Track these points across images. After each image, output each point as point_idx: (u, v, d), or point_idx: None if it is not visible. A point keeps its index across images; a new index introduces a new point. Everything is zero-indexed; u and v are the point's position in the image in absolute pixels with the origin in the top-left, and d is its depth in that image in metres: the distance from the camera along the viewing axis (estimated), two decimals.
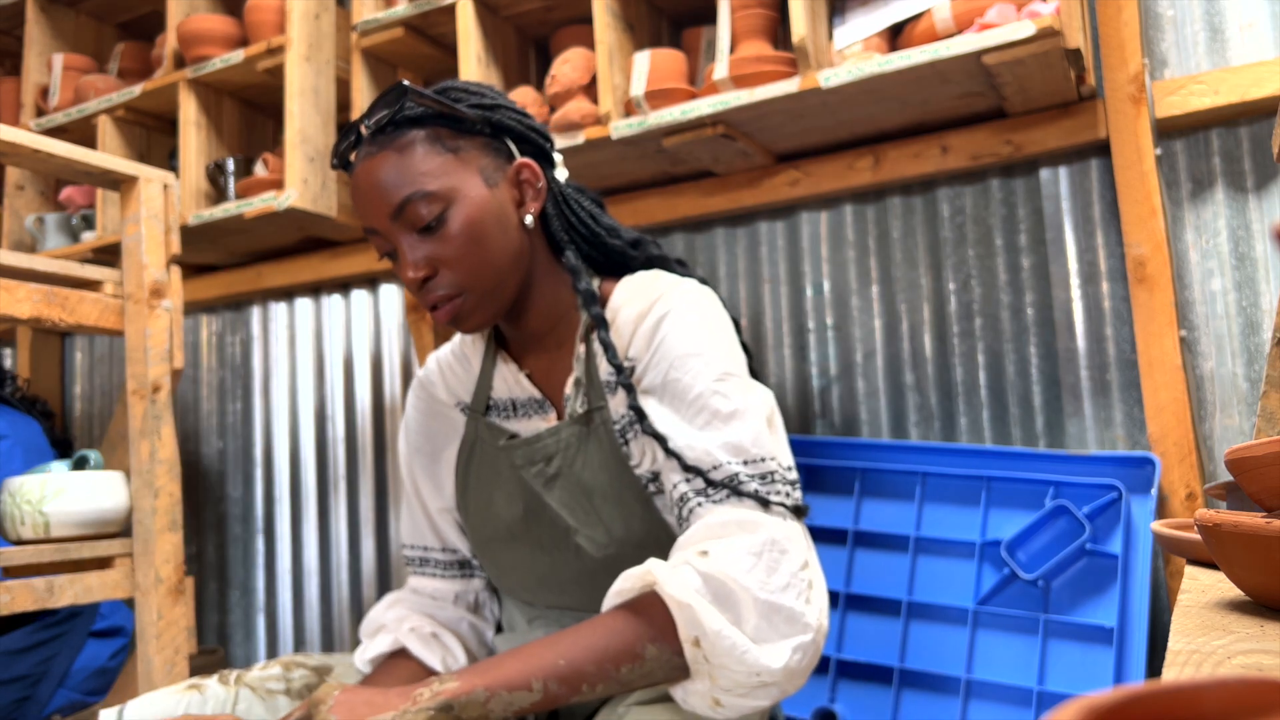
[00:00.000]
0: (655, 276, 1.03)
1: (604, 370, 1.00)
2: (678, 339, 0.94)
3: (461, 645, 1.07)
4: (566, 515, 0.99)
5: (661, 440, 0.91)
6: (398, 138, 0.95)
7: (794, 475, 0.92)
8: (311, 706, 0.80)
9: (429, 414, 1.14)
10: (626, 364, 0.98)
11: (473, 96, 0.99)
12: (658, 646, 0.83)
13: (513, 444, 1.04)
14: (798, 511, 0.90)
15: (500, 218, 0.97)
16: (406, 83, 0.94)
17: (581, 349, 1.02)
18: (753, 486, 0.88)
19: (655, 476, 0.97)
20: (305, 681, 1.04)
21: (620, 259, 1.07)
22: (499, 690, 0.79)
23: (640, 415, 0.93)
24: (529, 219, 0.99)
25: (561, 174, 1.06)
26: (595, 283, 1.04)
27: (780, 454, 0.92)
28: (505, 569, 1.06)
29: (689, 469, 0.89)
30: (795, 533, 0.88)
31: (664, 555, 0.94)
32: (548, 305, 1.04)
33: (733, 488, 0.88)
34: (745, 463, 0.89)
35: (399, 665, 1.04)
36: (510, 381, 1.07)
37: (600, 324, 0.97)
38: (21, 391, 2.04)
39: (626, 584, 0.86)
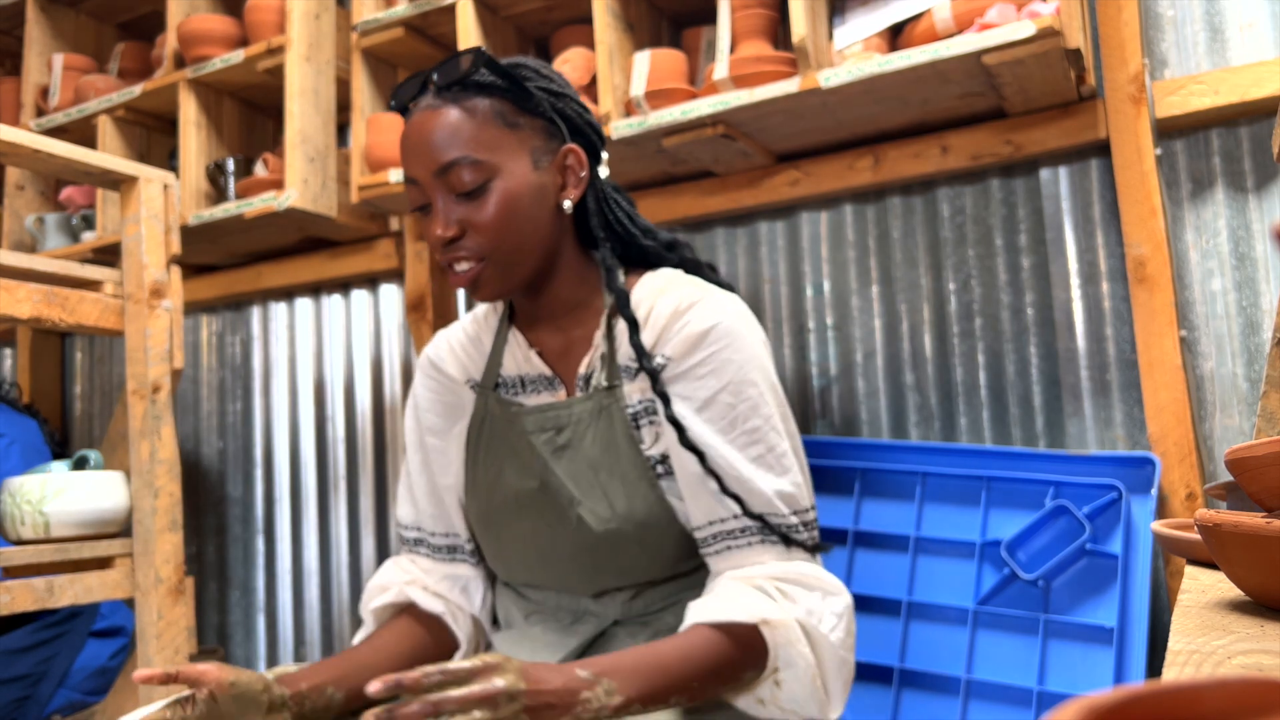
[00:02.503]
0: (688, 279, 1.05)
1: (623, 355, 1.03)
2: (733, 362, 0.97)
3: (455, 611, 1.10)
4: (571, 486, 1.00)
5: (700, 455, 0.96)
6: (463, 99, 0.97)
7: (816, 516, 1.02)
8: (504, 696, 0.78)
9: (439, 390, 1.13)
10: (660, 359, 1.00)
11: (542, 79, 1.02)
12: (753, 673, 0.93)
13: (524, 410, 1.06)
14: (818, 549, 1.02)
15: (538, 198, 0.99)
16: (484, 49, 0.98)
17: (602, 333, 1.04)
18: (801, 535, 0.97)
19: (664, 459, 1.00)
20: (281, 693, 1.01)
21: (654, 259, 1.10)
22: (649, 704, 0.86)
23: (666, 402, 0.97)
24: (567, 204, 1.02)
25: (604, 172, 1.08)
26: (622, 277, 1.06)
27: (811, 498, 1.01)
28: (505, 544, 1.07)
29: (738, 499, 0.96)
30: (849, 600, 0.98)
31: (664, 535, 1.00)
32: (570, 289, 1.06)
33: (788, 536, 0.97)
34: (794, 513, 0.98)
35: (404, 621, 1.08)
36: (520, 359, 1.09)
37: (631, 323, 1.00)
38: (18, 392, 2.04)
39: (736, 611, 0.91)
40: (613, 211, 1.07)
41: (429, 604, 1.07)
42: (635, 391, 1.01)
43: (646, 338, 1.01)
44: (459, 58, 0.98)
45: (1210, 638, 0.47)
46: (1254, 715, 0.29)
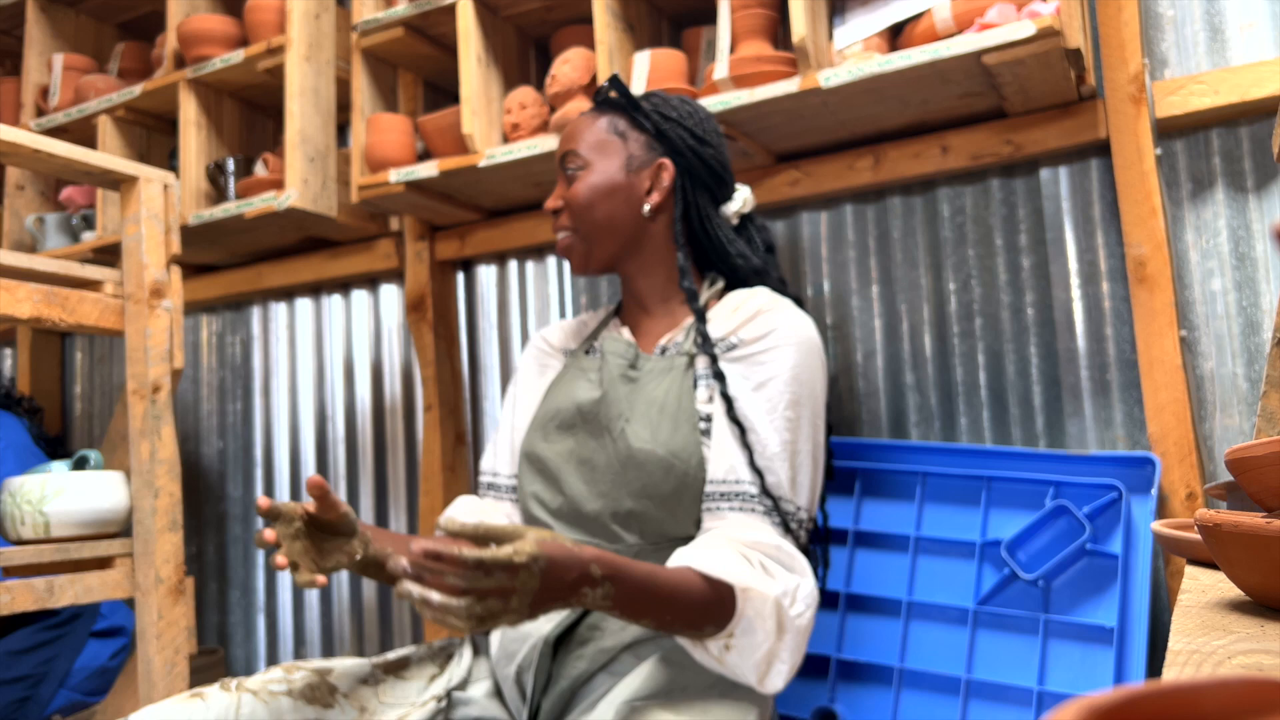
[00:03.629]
0: (781, 298, 1.22)
1: (693, 337, 1.21)
2: (791, 361, 1.12)
3: None
4: (626, 407, 1.16)
5: (741, 428, 1.10)
6: (598, 111, 1.25)
7: (807, 520, 1.14)
8: (519, 583, 0.84)
9: (538, 356, 1.36)
10: (732, 339, 1.16)
11: (664, 106, 1.24)
12: (712, 628, 1.00)
13: (607, 338, 1.25)
14: (798, 545, 1.13)
15: (621, 195, 1.21)
16: (617, 75, 1.25)
17: (688, 321, 1.23)
18: (795, 526, 1.11)
19: (707, 417, 1.15)
20: (307, 681, 1.06)
21: (753, 279, 1.26)
22: (627, 615, 0.94)
23: (723, 380, 1.12)
24: (646, 208, 1.22)
25: (731, 208, 1.27)
26: (719, 285, 1.26)
27: (814, 510, 1.16)
28: (548, 456, 1.20)
29: (758, 472, 1.09)
30: (801, 559, 1.08)
31: (688, 477, 1.11)
32: (657, 283, 1.25)
33: (788, 523, 1.10)
34: (799, 508, 1.11)
35: None
36: (613, 333, 1.28)
37: (699, 316, 1.18)
38: (5, 389, 2.03)
39: (727, 569, 0.99)
40: (705, 229, 1.25)
41: None
42: (703, 362, 1.18)
43: (730, 323, 1.18)
44: (608, 82, 1.25)
45: (1210, 638, 0.47)
46: (1254, 715, 0.29)
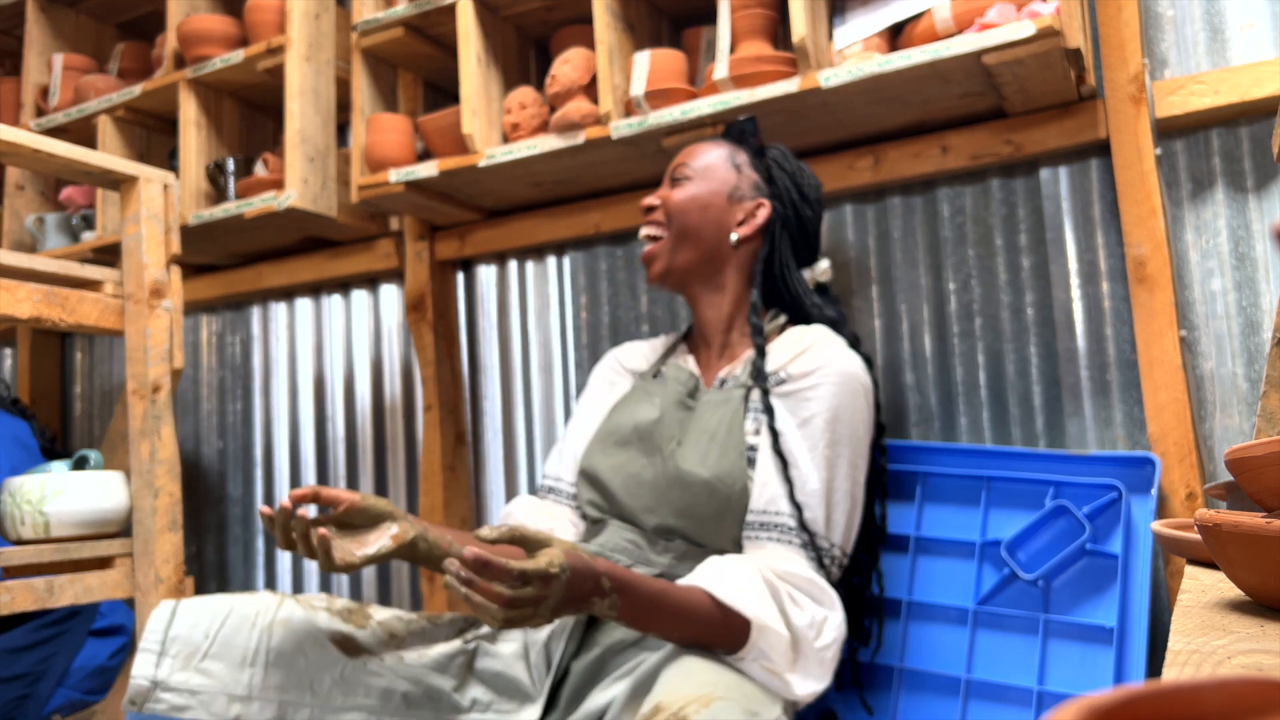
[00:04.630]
0: (836, 336, 1.27)
1: (750, 371, 1.25)
2: (836, 401, 1.17)
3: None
4: (679, 431, 1.23)
5: (784, 462, 1.15)
6: (726, 142, 1.35)
7: (846, 564, 1.21)
8: (548, 595, 0.92)
9: (611, 374, 1.41)
10: (782, 374, 1.21)
11: (784, 160, 1.34)
12: (724, 649, 1.04)
13: (670, 367, 1.32)
14: (830, 581, 1.17)
15: (715, 214, 1.29)
16: (755, 119, 1.36)
17: (749, 354, 1.28)
18: (829, 562, 1.15)
19: (753, 447, 1.19)
20: (346, 605, 1.16)
21: (816, 316, 1.32)
22: (632, 627, 0.99)
23: (771, 414, 1.18)
24: (734, 236, 1.29)
25: (811, 273, 1.34)
26: (782, 319, 1.31)
27: (849, 548, 1.19)
28: (602, 469, 1.26)
29: (798, 507, 1.14)
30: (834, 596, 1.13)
31: (731, 500, 1.16)
32: (724, 313, 1.31)
33: (821, 559, 1.14)
34: (834, 545, 1.16)
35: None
36: (679, 362, 1.35)
37: (759, 351, 1.23)
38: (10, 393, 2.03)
39: (741, 596, 1.02)
40: (782, 275, 1.31)
41: (538, 527, 1.26)
42: (755, 395, 1.22)
43: (783, 358, 1.23)
44: (743, 121, 1.36)
45: (1210, 638, 0.47)
46: (1254, 715, 0.29)
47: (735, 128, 1.36)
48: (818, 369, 1.19)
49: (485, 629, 1.23)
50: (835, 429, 1.17)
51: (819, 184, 1.37)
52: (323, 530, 1.00)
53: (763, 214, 1.30)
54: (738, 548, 1.18)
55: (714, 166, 1.31)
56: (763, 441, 1.18)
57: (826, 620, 1.08)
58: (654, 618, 1.00)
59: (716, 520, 1.17)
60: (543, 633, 1.18)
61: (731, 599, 1.02)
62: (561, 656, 1.15)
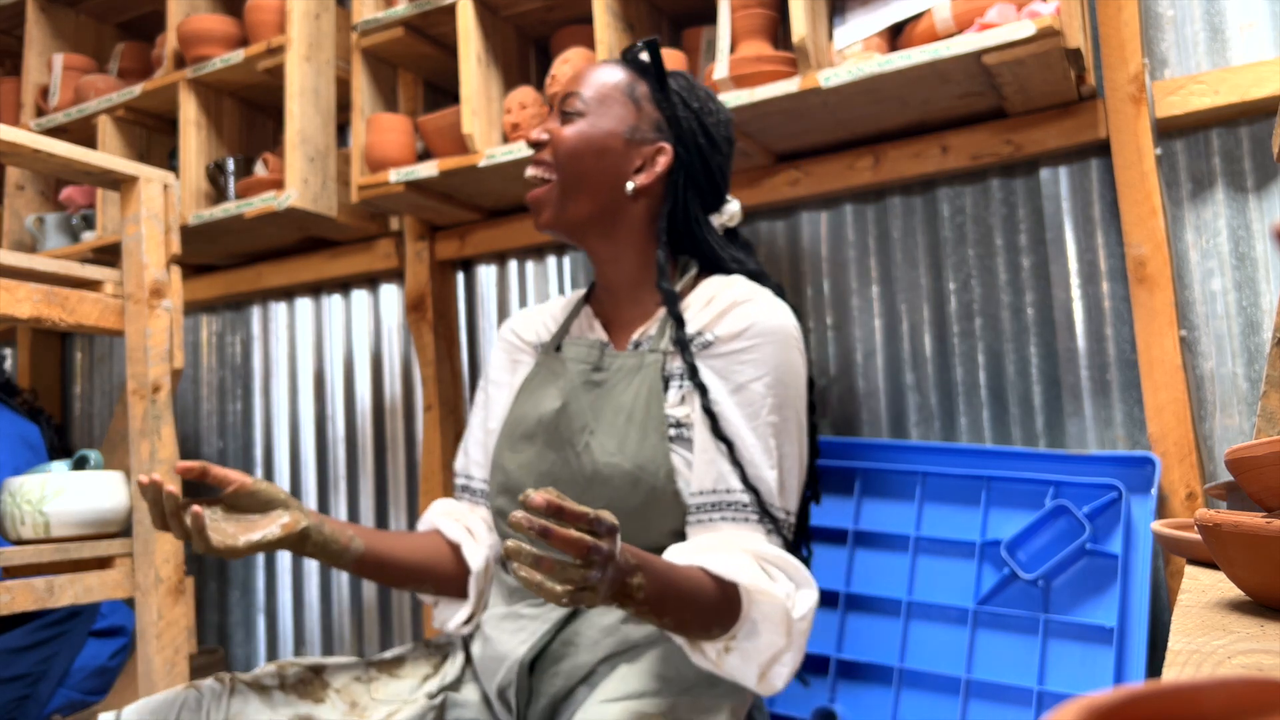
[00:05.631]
0: (755, 284, 1.16)
1: (669, 334, 1.13)
2: (773, 360, 1.07)
3: (471, 542, 1.19)
4: (591, 417, 1.10)
5: (730, 445, 1.05)
6: (624, 65, 1.17)
7: (793, 521, 1.11)
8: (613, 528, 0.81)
9: (510, 350, 1.28)
10: (707, 335, 1.10)
11: (690, 93, 1.17)
12: (718, 629, 0.98)
13: (571, 341, 1.19)
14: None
15: (610, 160, 1.13)
16: (658, 40, 1.16)
17: (662, 312, 1.16)
18: (784, 529, 1.07)
19: (680, 424, 1.09)
20: (299, 676, 1.07)
21: (728, 268, 1.20)
22: (650, 617, 0.90)
23: (694, 371, 1.07)
24: (630, 185, 1.13)
25: (720, 219, 1.21)
26: (694, 270, 1.18)
27: (795, 508, 1.11)
28: (507, 474, 1.14)
29: (749, 485, 1.05)
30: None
31: (659, 491, 1.06)
32: (629, 272, 1.17)
33: (776, 525, 1.06)
34: (785, 511, 1.07)
35: (434, 535, 1.20)
36: (584, 325, 1.22)
37: (678, 321, 1.10)
38: (6, 378, 2.03)
39: (740, 571, 0.97)
40: (688, 223, 1.17)
41: (452, 531, 1.18)
42: (675, 360, 1.12)
43: (704, 317, 1.11)
44: (644, 41, 1.17)
45: (1210, 638, 0.47)
46: (1254, 715, 0.29)
47: (633, 53, 1.18)
48: (748, 328, 1.07)
49: (450, 677, 1.15)
50: (779, 392, 1.06)
51: (729, 118, 1.22)
52: (196, 508, 0.91)
53: (663, 161, 1.14)
54: (672, 539, 1.07)
55: (611, 99, 1.13)
56: (696, 416, 1.07)
57: (800, 592, 1.02)
58: (671, 596, 0.90)
59: (643, 512, 1.05)
60: (493, 684, 1.09)
61: (724, 570, 0.96)
62: (517, 706, 1.08)
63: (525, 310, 1.32)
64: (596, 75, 1.15)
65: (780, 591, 0.99)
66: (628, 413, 1.08)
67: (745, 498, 1.04)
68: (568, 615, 1.09)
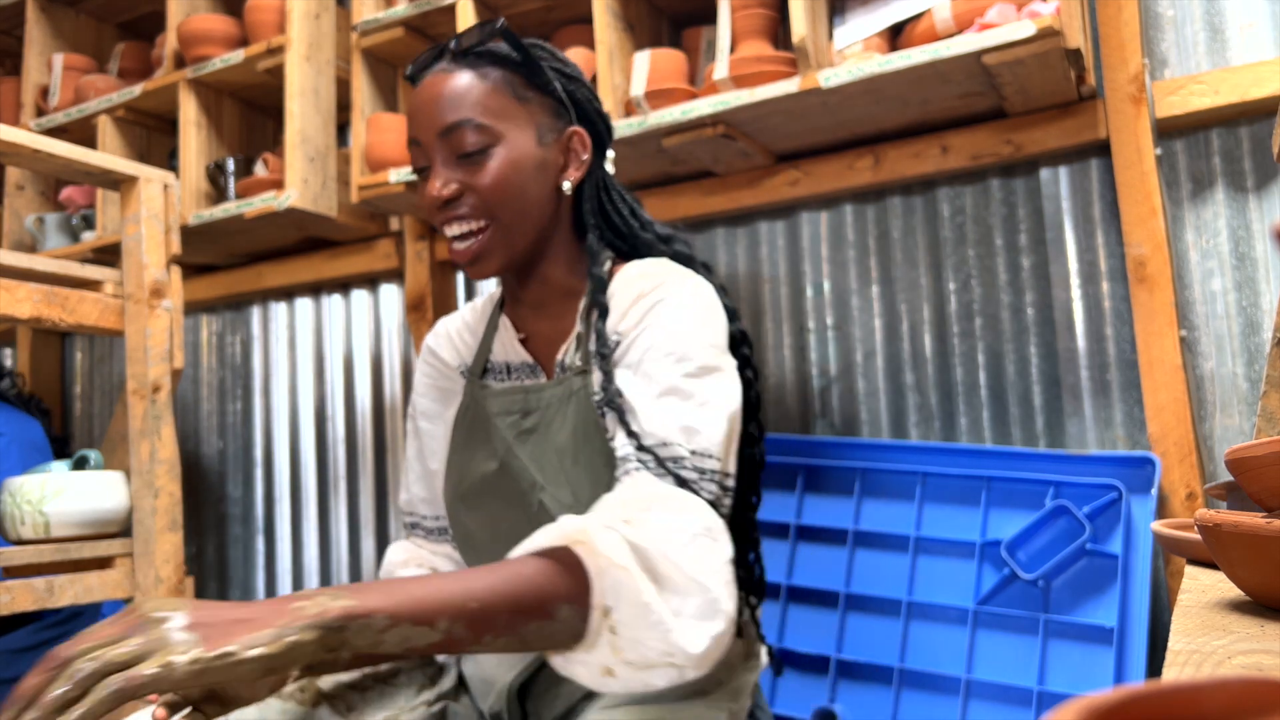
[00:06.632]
0: (662, 263, 1.03)
1: (594, 343, 1.00)
2: (666, 327, 0.93)
3: None
4: (535, 471, 0.98)
5: (620, 395, 0.91)
6: (477, 65, 0.99)
7: (731, 485, 0.90)
8: (145, 620, 0.63)
9: (434, 376, 1.15)
10: (615, 337, 0.98)
11: (557, 61, 1.04)
12: (570, 609, 0.75)
13: (492, 391, 1.05)
14: (719, 509, 0.87)
15: (539, 173, 1.00)
16: (504, 21, 0.99)
17: (581, 320, 1.03)
18: (693, 476, 0.86)
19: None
20: (295, 684, 0.99)
21: (646, 251, 1.08)
22: (403, 621, 0.68)
23: (610, 379, 0.94)
24: (566, 185, 1.02)
25: (610, 167, 1.08)
26: (608, 265, 1.04)
27: (728, 461, 0.90)
28: (469, 531, 1.05)
29: (634, 435, 0.88)
30: (724, 528, 0.84)
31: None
32: (559, 275, 1.05)
33: (674, 471, 0.86)
34: (694, 452, 0.87)
35: None
36: (507, 345, 1.08)
37: (601, 311, 0.98)
38: (18, 389, 2.04)
39: (550, 535, 0.78)
40: (613, 200, 1.06)
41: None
42: (598, 377, 0.98)
43: (614, 318, 0.98)
44: (479, 27, 0.99)
45: (1210, 638, 0.47)
46: (1254, 715, 0.29)
47: (478, 40, 1.00)
48: (649, 309, 0.95)
49: (446, 687, 1.07)
50: (672, 345, 0.91)
51: (567, 58, 1.08)
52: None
53: (582, 145, 1.02)
54: None
55: (504, 111, 0.97)
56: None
57: (679, 520, 0.80)
58: (489, 615, 0.72)
59: None
60: (485, 705, 1.04)
61: (534, 540, 0.78)
62: None
63: (441, 326, 1.18)
64: (472, 92, 0.97)
65: (626, 532, 0.77)
66: (571, 455, 0.97)
67: (633, 455, 0.88)
68: None
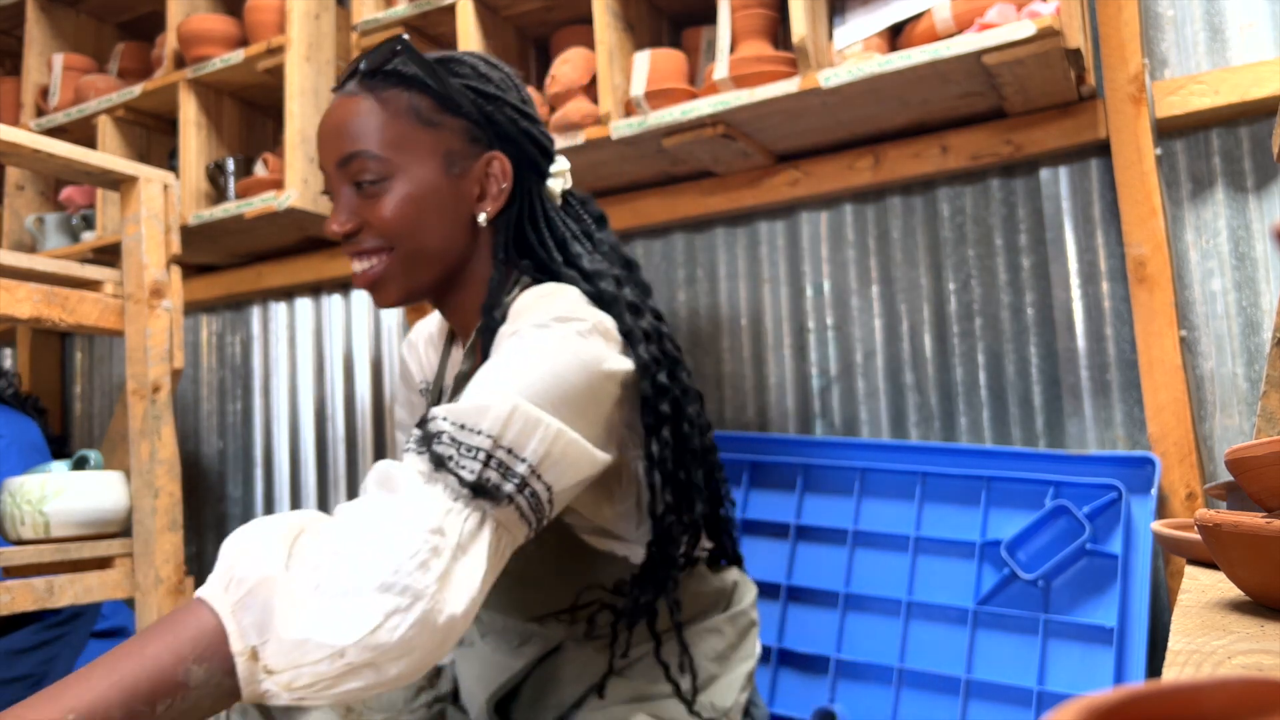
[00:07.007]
0: (566, 293, 0.90)
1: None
2: (521, 347, 0.81)
3: None
4: None
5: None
6: (381, 89, 0.92)
7: (520, 468, 0.75)
8: None
9: (404, 385, 1.16)
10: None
11: (475, 79, 0.94)
12: (205, 667, 0.64)
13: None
14: (482, 491, 0.73)
15: (447, 205, 0.92)
16: (406, 38, 0.91)
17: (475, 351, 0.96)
18: (449, 451, 0.73)
19: None
20: None
21: (551, 270, 0.97)
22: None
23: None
24: (482, 217, 0.94)
25: (557, 185, 1.00)
26: (517, 290, 0.95)
27: (510, 438, 0.74)
28: None
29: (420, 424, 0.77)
30: (437, 500, 0.71)
31: (577, 559, 0.93)
32: (476, 306, 0.97)
33: (433, 449, 0.74)
34: (461, 426, 0.74)
35: None
36: (455, 369, 1.02)
37: (486, 353, 0.90)
38: (15, 389, 2.04)
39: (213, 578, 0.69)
40: (538, 231, 0.96)
41: None
42: None
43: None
44: (385, 44, 0.91)
45: (1210, 638, 0.47)
46: (1254, 715, 0.29)
47: (378, 61, 0.92)
48: (505, 338, 0.84)
49: (445, 690, 1.08)
50: (500, 375, 0.78)
51: (509, 72, 0.98)
52: None
53: (501, 171, 0.94)
54: (576, 598, 0.96)
55: (406, 139, 0.90)
56: None
57: (395, 510, 0.70)
58: (100, 714, 0.61)
59: (577, 579, 0.95)
60: (473, 714, 1.03)
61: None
62: None
63: (414, 333, 1.13)
64: (370, 120, 0.90)
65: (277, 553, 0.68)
66: None
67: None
68: (541, 657, 1.02)
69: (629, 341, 0.90)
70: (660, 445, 0.91)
